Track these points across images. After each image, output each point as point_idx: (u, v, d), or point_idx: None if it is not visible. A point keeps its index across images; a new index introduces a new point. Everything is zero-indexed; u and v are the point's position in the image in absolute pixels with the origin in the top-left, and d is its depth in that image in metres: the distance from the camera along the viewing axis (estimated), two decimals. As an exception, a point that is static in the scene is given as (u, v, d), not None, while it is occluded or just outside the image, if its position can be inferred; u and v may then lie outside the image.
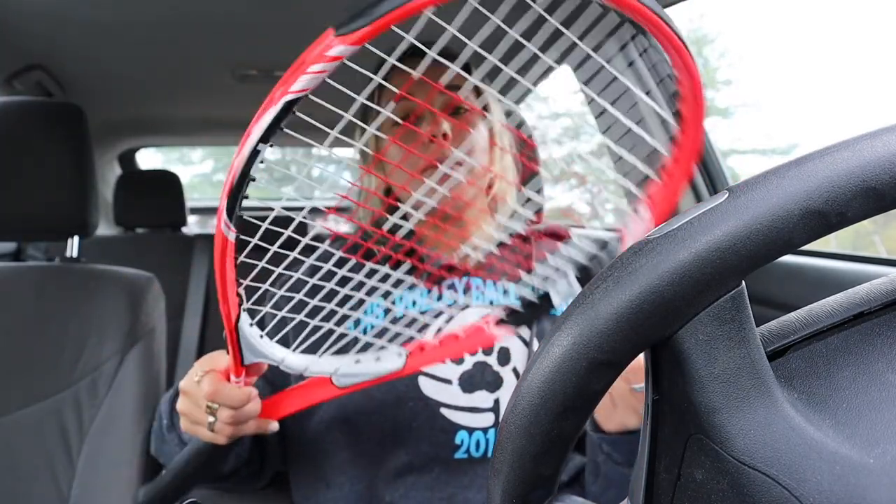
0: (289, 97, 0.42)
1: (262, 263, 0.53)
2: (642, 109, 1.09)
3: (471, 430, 0.68)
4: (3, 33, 1.22)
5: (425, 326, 0.70)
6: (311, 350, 0.60)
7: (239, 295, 0.53)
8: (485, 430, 0.68)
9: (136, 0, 1.13)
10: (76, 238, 1.05)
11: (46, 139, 0.92)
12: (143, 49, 1.38)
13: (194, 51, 1.41)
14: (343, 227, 0.89)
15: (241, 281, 0.53)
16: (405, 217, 0.57)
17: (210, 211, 3.16)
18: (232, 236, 0.48)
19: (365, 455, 0.70)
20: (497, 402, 0.69)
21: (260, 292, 0.57)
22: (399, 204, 0.57)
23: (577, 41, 0.43)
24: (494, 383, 0.69)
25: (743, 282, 0.24)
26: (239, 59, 1.47)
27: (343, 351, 0.62)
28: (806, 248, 0.74)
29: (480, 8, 0.39)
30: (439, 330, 0.71)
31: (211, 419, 0.58)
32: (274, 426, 0.62)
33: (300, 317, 0.58)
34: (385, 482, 0.69)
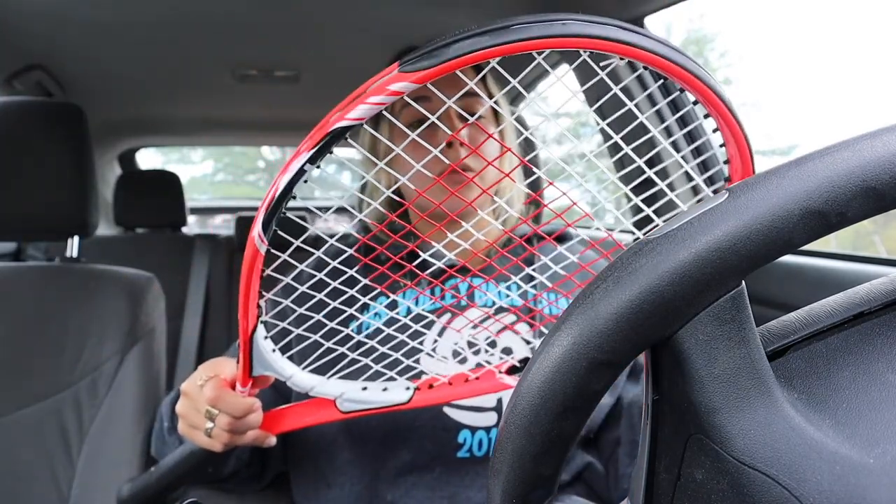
0: (344, 123, 0.43)
1: (287, 280, 0.53)
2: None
3: (473, 430, 0.68)
4: (3, 33, 1.22)
5: (431, 324, 0.70)
6: (321, 371, 0.60)
7: (259, 307, 0.53)
8: (487, 430, 0.68)
9: (136, 0, 1.13)
10: (76, 238, 1.05)
11: (46, 139, 0.92)
12: (143, 49, 1.38)
13: (194, 51, 1.41)
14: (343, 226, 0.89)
15: (264, 293, 0.53)
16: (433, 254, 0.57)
17: (210, 211, 3.16)
18: (263, 249, 0.49)
19: (367, 454, 0.70)
20: (500, 401, 0.69)
21: (281, 307, 0.57)
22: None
23: (637, 111, 0.43)
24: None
25: (743, 282, 0.24)
26: (239, 59, 1.47)
27: (352, 377, 0.62)
28: (806, 248, 0.74)
29: (544, 64, 0.40)
30: (440, 333, 0.71)
31: (209, 425, 0.58)
32: (272, 441, 0.62)
33: (316, 337, 0.58)
34: (386, 482, 0.69)
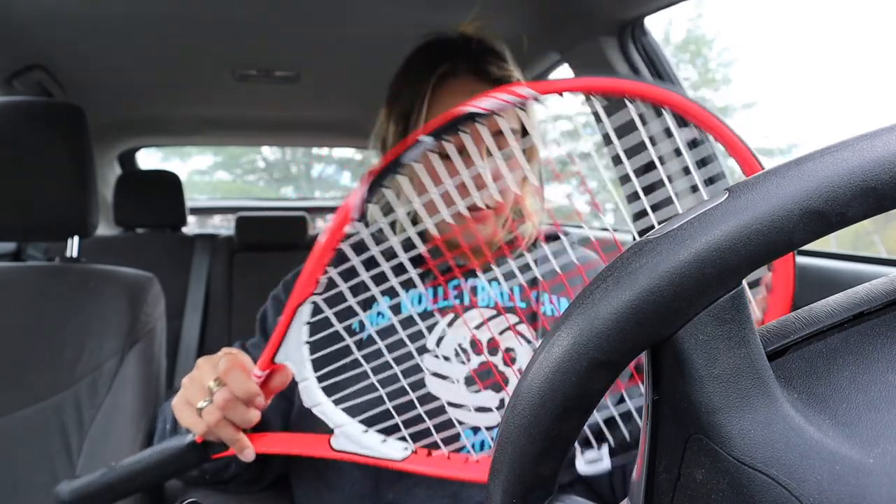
0: (472, 109, 0.48)
1: (365, 276, 0.54)
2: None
3: (475, 430, 0.68)
4: (3, 33, 1.22)
5: (434, 324, 0.70)
6: (331, 392, 0.59)
7: (317, 281, 0.52)
8: (490, 430, 0.68)
9: (136, 0, 1.13)
10: (76, 238, 1.05)
11: (46, 139, 0.92)
12: (143, 49, 1.38)
13: (194, 51, 1.41)
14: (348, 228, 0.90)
15: (329, 270, 0.52)
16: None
17: (210, 211, 3.16)
18: (356, 214, 0.50)
19: None
20: (503, 401, 0.69)
21: (344, 306, 0.56)
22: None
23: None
24: (500, 383, 0.70)
25: (743, 282, 0.24)
26: (239, 59, 1.48)
27: (360, 414, 0.60)
28: (806, 248, 0.74)
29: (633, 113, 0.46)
30: (443, 332, 0.71)
31: (202, 403, 0.56)
32: (250, 453, 0.59)
33: (353, 361, 0.58)
34: (388, 481, 0.69)
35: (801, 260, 0.98)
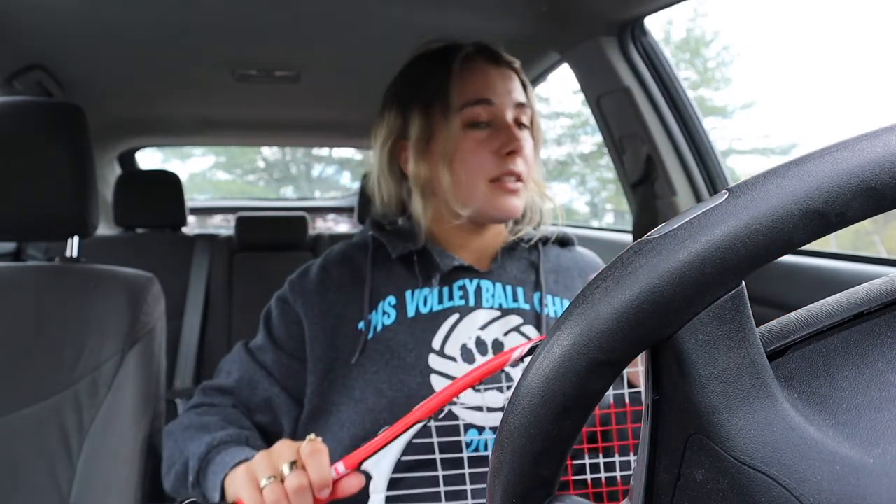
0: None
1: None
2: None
3: (481, 429, 0.68)
4: (3, 33, 1.22)
5: (437, 325, 0.71)
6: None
7: (442, 407, 0.53)
8: (495, 430, 0.68)
9: (136, 0, 1.13)
10: (76, 238, 1.05)
11: (46, 139, 0.92)
12: (143, 49, 1.38)
13: (194, 51, 1.41)
14: (343, 226, 0.90)
15: (457, 399, 0.54)
16: None
17: (210, 211, 3.16)
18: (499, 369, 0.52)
19: None
20: (508, 401, 0.69)
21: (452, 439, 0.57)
22: None
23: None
24: (505, 384, 0.70)
25: (743, 282, 0.24)
26: (239, 59, 1.47)
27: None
28: (806, 248, 0.74)
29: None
30: (448, 332, 0.71)
31: (266, 481, 0.54)
32: None
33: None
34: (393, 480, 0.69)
35: (801, 260, 0.98)
